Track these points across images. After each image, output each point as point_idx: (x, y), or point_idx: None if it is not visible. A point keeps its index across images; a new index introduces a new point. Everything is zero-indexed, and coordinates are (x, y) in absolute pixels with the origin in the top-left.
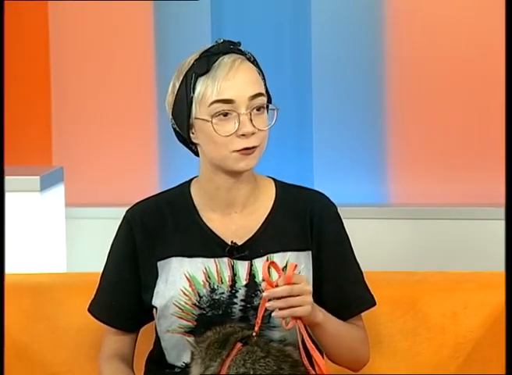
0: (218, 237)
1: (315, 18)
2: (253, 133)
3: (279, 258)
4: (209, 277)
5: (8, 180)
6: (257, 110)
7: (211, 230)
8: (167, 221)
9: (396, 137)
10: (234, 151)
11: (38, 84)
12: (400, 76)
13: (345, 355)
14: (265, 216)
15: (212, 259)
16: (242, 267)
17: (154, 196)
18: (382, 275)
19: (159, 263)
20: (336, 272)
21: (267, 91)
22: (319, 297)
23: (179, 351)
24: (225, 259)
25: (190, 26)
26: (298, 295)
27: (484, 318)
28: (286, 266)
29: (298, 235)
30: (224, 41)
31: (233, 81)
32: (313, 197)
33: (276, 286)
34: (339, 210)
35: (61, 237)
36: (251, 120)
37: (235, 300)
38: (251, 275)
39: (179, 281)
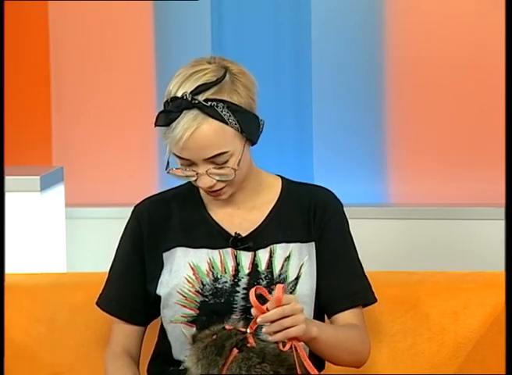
0: (223, 229)
1: (315, 18)
2: (214, 184)
3: (283, 249)
4: (213, 267)
5: (8, 180)
6: (219, 164)
7: (216, 223)
8: (173, 214)
9: (396, 138)
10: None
11: (38, 84)
12: (399, 77)
13: (345, 358)
14: (270, 209)
15: (217, 251)
16: (245, 257)
17: (163, 192)
18: (382, 275)
19: (165, 254)
20: (335, 265)
21: (249, 115)
22: (317, 288)
23: (182, 343)
24: (229, 250)
25: (190, 26)
26: (290, 315)
27: (484, 318)
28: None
29: (302, 227)
30: (186, 96)
31: (187, 146)
32: (318, 191)
33: (267, 310)
34: None
35: (61, 237)
36: (210, 175)
37: (237, 288)
38: (254, 264)
39: (183, 269)
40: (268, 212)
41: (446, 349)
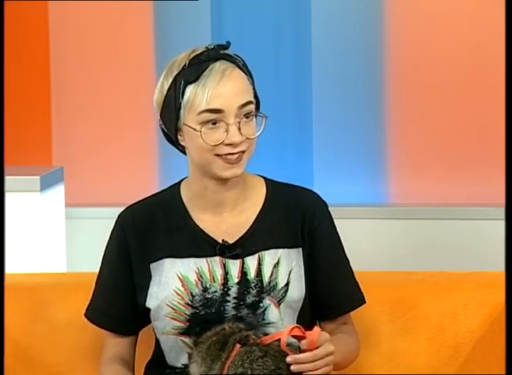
0: (210, 237)
1: (315, 18)
2: (241, 142)
3: (271, 255)
4: (201, 277)
5: (8, 180)
6: (246, 117)
7: (202, 230)
8: (158, 223)
9: (396, 138)
10: (217, 154)
11: (38, 84)
12: (399, 77)
13: (346, 364)
14: (256, 214)
15: (204, 259)
16: (234, 265)
17: (145, 199)
18: (382, 275)
19: (152, 265)
20: (329, 270)
21: (256, 96)
22: (312, 294)
23: (177, 352)
24: (217, 258)
25: (190, 26)
26: (322, 358)
27: (484, 318)
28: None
29: (289, 232)
30: (214, 46)
31: (223, 91)
32: (304, 194)
33: (303, 351)
34: (339, 210)
35: (61, 237)
36: (240, 129)
37: (227, 298)
38: (243, 273)
39: (171, 282)
40: (254, 217)
41: (446, 349)
